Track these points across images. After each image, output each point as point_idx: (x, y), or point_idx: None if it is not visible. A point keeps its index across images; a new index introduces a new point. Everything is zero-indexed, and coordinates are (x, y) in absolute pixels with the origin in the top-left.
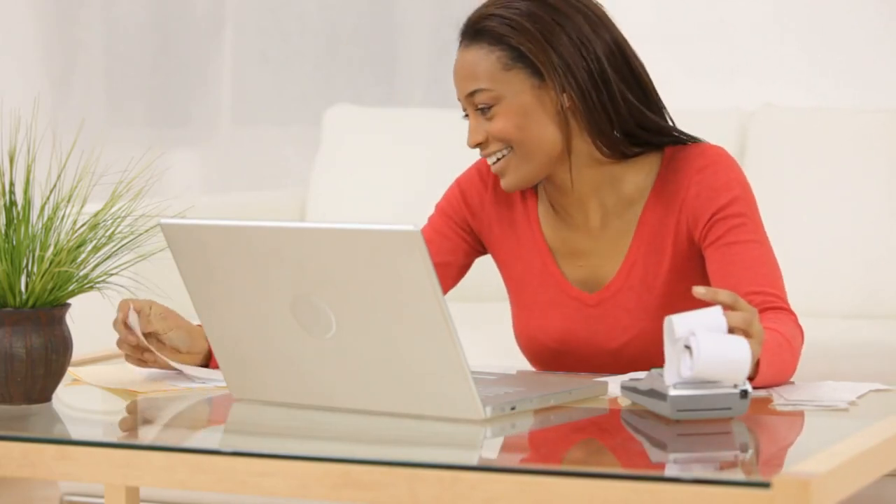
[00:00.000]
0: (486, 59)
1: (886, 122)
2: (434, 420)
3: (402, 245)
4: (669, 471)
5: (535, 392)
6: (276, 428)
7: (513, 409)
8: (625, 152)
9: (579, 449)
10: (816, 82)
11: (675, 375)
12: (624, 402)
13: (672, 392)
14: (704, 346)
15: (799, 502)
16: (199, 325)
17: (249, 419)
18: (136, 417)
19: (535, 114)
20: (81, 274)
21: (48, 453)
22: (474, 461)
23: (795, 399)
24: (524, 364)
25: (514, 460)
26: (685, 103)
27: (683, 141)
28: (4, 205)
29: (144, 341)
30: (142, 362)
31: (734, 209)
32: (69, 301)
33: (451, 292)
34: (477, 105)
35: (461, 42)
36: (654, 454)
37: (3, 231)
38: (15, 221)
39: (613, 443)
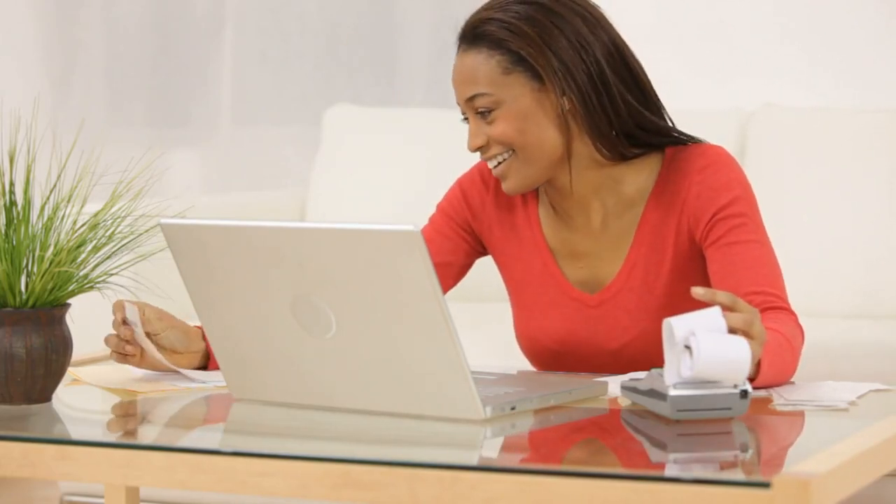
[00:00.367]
0: (485, 63)
1: (886, 122)
2: (434, 420)
3: (402, 245)
4: (669, 471)
5: (535, 392)
6: (276, 428)
7: (513, 409)
8: (625, 154)
9: (579, 449)
10: (816, 82)
11: (675, 375)
12: (624, 402)
13: (672, 392)
14: (704, 346)
15: (799, 502)
16: (196, 326)
17: (249, 419)
18: (136, 417)
19: (535, 117)
20: (81, 274)
21: (48, 453)
22: (474, 461)
23: (795, 399)
24: (525, 364)
25: (514, 460)
26: (685, 103)
27: (683, 141)
28: (4, 205)
29: (143, 335)
30: (123, 357)
31: (735, 209)
32: (69, 301)
33: (452, 292)
34: (477, 109)
35: (460, 46)
36: (654, 454)
37: (3, 231)
38: (15, 221)
39: (613, 443)
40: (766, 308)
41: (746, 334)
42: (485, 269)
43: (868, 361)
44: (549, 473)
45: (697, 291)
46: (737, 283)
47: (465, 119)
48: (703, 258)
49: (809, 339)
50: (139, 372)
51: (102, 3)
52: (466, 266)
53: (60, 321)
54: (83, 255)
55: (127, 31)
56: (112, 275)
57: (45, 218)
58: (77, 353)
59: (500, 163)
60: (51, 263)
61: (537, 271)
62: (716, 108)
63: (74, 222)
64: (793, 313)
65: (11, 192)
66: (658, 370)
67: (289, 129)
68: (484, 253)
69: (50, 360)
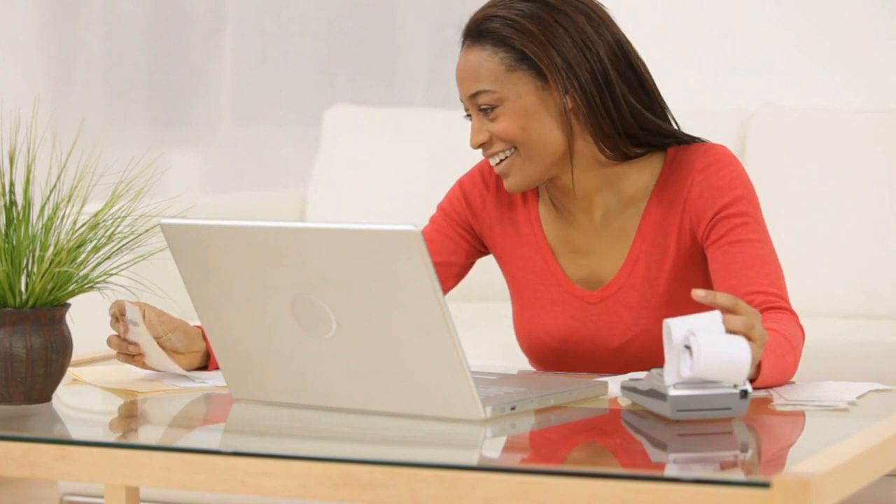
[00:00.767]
0: (489, 60)
1: (886, 122)
2: (434, 420)
3: (402, 245)
4: (669, 471)
5: (535, 392)
6: (276, 428)
7: (513, 409)
8: (627, 153)
9: (579, 449)
10: (816, 82)
11: (675, 375)
12: (624, 402)
13: (672, 392)
14: (704, 346)
15: (799, 502)
16: (197, 326)
17: (249, 419)
18: (136, 417)
19: (538, 115)
20: (81, 274)
21: (48, 453)
22: (474, 461)
23: (795, 399)
24: (525, 364)
25: (514, 460)
26: (685, 103)
27: (686, 141)
28: (4, 205)
29: (147, 335)
30: (129, 357)
31: (737, 208)
32: (69, 301)
33: (453, 292)
34: (480, 106)
35: (464, 43)
36: (654, 454)
37: (3, 231)
38: (15, 221)
39: (613, 443)
40: (767, 308)
41: (747, 337)
42: (485, 270)
43: (868, 361)
44: (549, 473)
45: (698, 294)
46: (738, 282)
47: (468, 116)
48: (704, 256)
49: (809, 339)
50: (139, 372)
51: (102, 3)
52: (467, 266)
53: (60, 321)
54: (83, 255)
55: (127, 31)
56: (112, 275)
57: (45, 218)
58: (77, 353)
59: (502, 160)
60: (51, 263)
61: (538, 269)
62: (716, 108)
63: (74, 222)
64: (794, 313)
65: (11, 192)
66: (658, 370)
67: (289, 129)
68: (485, 252)
69: (50, 360)
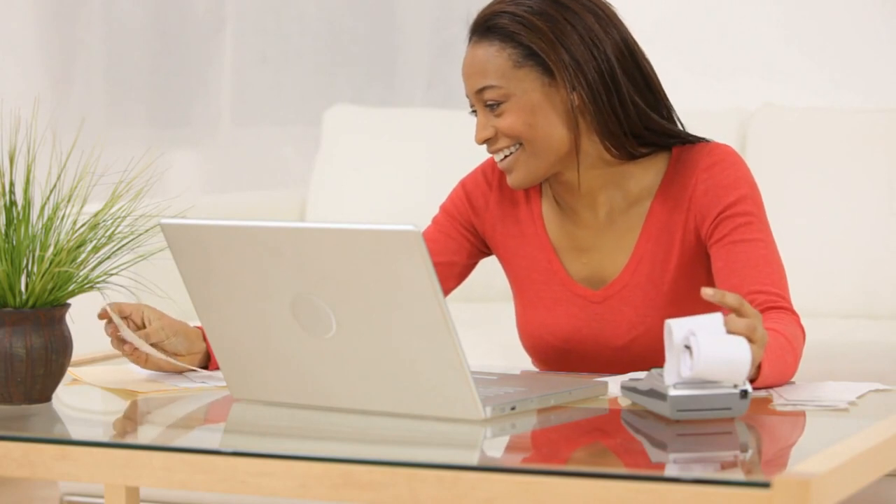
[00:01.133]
0: (496, 56)
1: (886, 122)
2: (434, 420)
3: (401, 245)
4: (669, 471)
5: (535, 392)
6: (276, 428)
7: (513, 409)
8: (632, 153)
9: (580, 449)
10: (816, 82)
11: (675, 375)
12: (624, 402)
13: (672, 392)
14: (704, 346)
15: (799, 502)
16: (197, 326)
17: (249, 419)
18: (136, 417)
19: (544, 112)
20: (81, 274)
21: (48, 453)
22: (474, 461)
23: (795, 399)
24: (525, 363)
25: (514, 460)
26: (685, 103)
27: (691, 141)
28: (4, 205)
29: (130, 333)
30: (141, 360)
31: (741, 208)
32: (69, 301)
33: (453, 292)
34: (486, 101)
35: (471, 38)
36: (654, 454)
37: (3, 231)
38: (15, 221)
39: (613, 443)
40: (769, 308)
41: (749, 339)
42: (485, 270)
43: (868, 361)
44: (549, 473)
45: (707, 292)
46: (740, 281)
47: (474, 112)
48: (708, 255)
49: (809, 339)
50: (139, 372)
51: (102, 3)
52: (470, 266)
53: (60, 321)
54: (83, 255)
55: (127, 31)
56: (112, 275)
57: (45, 218)
58: (77, 353)
59: (506, 156)
60: (51, 263)
61: (541, 268)
62: (716, 108)
63: (74, 222)
64: (795, 314)
65: (11, 192)
66: (658, 370)
67: (289, 129)
68: (487, 253)
69: (50, 360)
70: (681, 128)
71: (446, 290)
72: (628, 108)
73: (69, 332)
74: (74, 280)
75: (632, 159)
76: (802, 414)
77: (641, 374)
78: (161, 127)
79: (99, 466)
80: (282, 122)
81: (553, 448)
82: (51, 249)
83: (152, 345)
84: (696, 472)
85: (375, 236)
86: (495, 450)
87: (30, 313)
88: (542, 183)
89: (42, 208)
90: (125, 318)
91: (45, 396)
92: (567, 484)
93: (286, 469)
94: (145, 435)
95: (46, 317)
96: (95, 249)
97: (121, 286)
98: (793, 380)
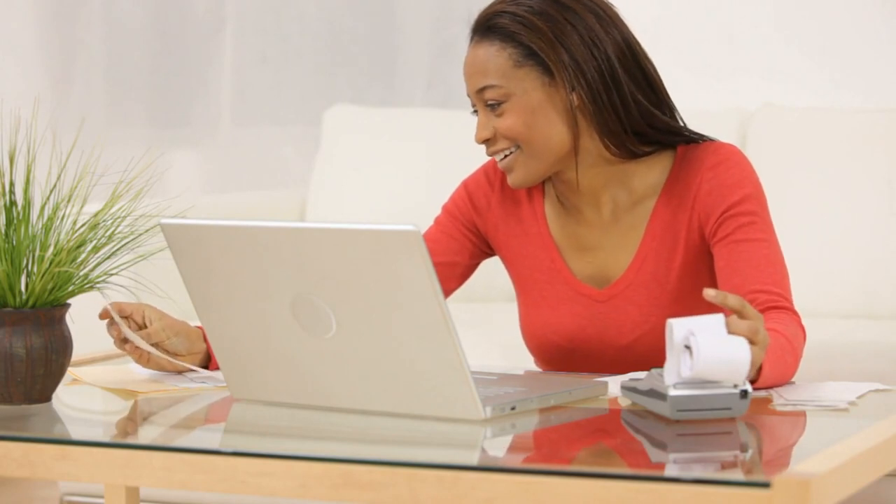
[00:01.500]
0: (497, 56)
1: (886, 122)
2: (434, 420)
3: (401, 245)
4: (669, 471)
5: (535, 392)
6: (276, 428)
7: (513, 409)
8: (634, 152)
9: (579, 449)
10: (816, 82)
11: (675, 375)
12: (624, 402)
13: (672, 392)
14: (704, 346)
15: (799, 502)
16: (197, 326)
17: (249, 419)
18: (136, 417)
19: (544, 111)
20: (81, 274)
21: (48, 453)
22: (474, 461)
23: (795, 399)
24: (526, 363)
25: (514, 460)
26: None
27: (695, 140)
28: (4, 205)
29: (130, 332)
30: (143, 359)
31: (745, 207)
32: (69, 301)
33: (454, 292)
34: (486, 101)
35: (472, 38)
36: (654, 454)
37: (3, 231)
38: (15, 221)
39: (613, 443)
40: (770, 307)
41: (750, 341)
42: (485, 270)
43: (868, 361)
44: (549, 473)
45: (709, 293)
46: (742, 280)
47: (475, 112)
48: (712, 254)
49: (809, 339)
50: (139, 372)
51: (102, 3)
52: (472, 267)
53: (60, 321)
54: (83, 255)
55: (127, 31)
56: (112, 275)
57: (45, 218)
58: (77, 353)
59: (506, 156)
60: (51, 263)
61: (545, 268)
62: (716, 108)
63: (74, 222)
64: (796, 314)
65: (11, 192)
66: (658, 370)
67: (289, 129)
68: (490, 254)
69: (50, 360)
70: (684, 126)
71: (448, 291)
72: (630, 107)
73: (69, 332)
74: (74, 280)
75: (634, 158)
76: (802, 414)
77: (641, 374)
78: (161, 127)
79: (99, 466)
80: (282, 122)
81: (553, 448)
82: (51, 249)
83: (153, 345)
84: (696, 472)
85: (375, 236)
86: (495, 450)
87: (30, 313)
88: (545, 182)
89: (42, 208)
90: (126, 317)
91: (45, 396)
92: (567, 484)
93: (286, 469)
94: (145, 435)
95: (46, 317)
96: (95, 249)
97: (121, 286)
98: (793, 380)
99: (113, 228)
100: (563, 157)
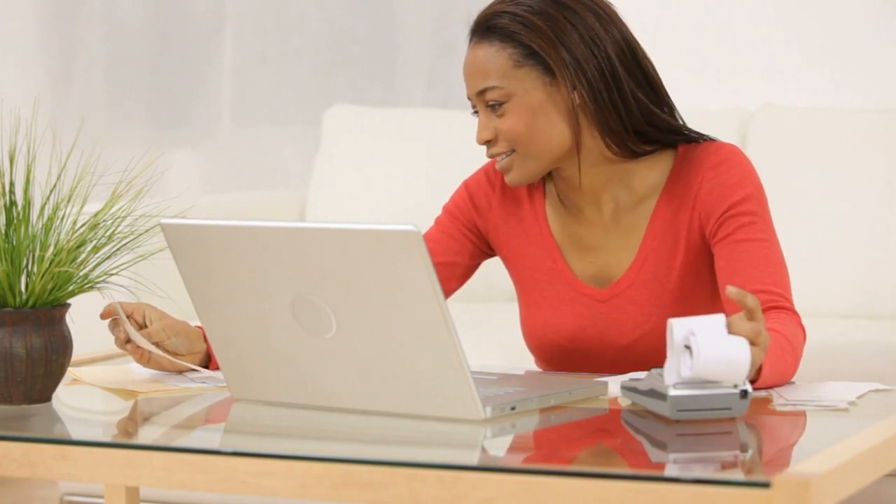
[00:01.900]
0: (497, 56)
1: (886, 122)
2: (434, 420)
3: (401, 245)
4: (669, 471)
5: (535, 392)
6: (276, 428)
7: (513, 409)
8: (635, 151)
9: (580, 449)
10: (816, 82)
11: (675, 375)
12: (624, 402)
13: (672, 392)
14: (704, 346)
15: (799, 502)
16: (197, 326)
17: (249, 419)
18: (136, 417)
19: (545, 111)
20: (81, 274)
21: (48, 453)
22: (474, 461)
23: (795, 399)
24: (526, 363)
25: (514, 460)
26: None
27: (696, 139)
28: (4, 205)
29: (134, 332)
30: (144, 358)
31: (746, 207)
32: (69, 301)
33: (455, 292)
34: (487, 102)
35: (471, 39)
36: (654, 454)
37: (3, 231)
38: (15, 221)
39: (613, 443)
40: (770, 307)
41: (751, 342)
42: (485, 270)
43: (868, 361)
44: (549, 473)
45: (731, 291)
46: (743, 280)
47: (475, 112)
48: (712, 254)
49: (809, 339)
50: (139, 372)
51: (102, 3)
52: (472, 267)
53: (60, 321)
54: (83, 255)
55: (127, 31)
56: (112, 275)
57: (45, 218)
58: (77, 353)
59: (505, 157)
60: (51, 263)
61: (545, 268)
62: (716, 108)
63: (74, 222)
64: (796, 314)
65: (11, 192)
66: (658, 370)
67: (289, 129)
68: (490, 254)
69: (50, 360)
70: (684, 125)
71: (448, 291)
72: (630, 105)
73: (69, 332)
74: (74, 280)
75: (635, 157)
76: (802, 414)
77: (641, 374)
78: (161, 127)
79: (99, 466)
80: (282, 122)
81: (553, 448)
82: (51, 249)
83: (153, 344)
84: (696, 472)
85: (375, 236)
86: (495, 450)
87: (30, 313)
88: (546, 182)
89: (42, 208)
90: (127, 317)
91: (45, 396)
92: (567, 484)
93: (286, 469)
94: (145, 435)
95: (46, 317)
96: (95, 249)
97: (121, 286)
98: (793, 380)
99: (113, 228)
100: (562, 156)
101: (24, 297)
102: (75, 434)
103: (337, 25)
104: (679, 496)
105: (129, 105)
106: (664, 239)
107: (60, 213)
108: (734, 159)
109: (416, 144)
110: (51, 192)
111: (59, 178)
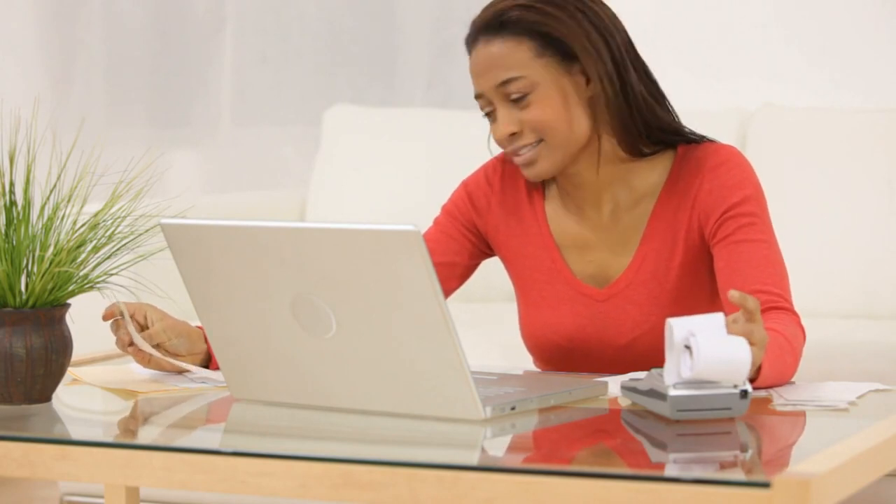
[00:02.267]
0: (515, 49)
1: (886, 122)
2: (434, 420)
3: (401, 245)
4: (669, 471)
5: (535, 392)
6: (276, 428)
7: (513, 409)
8: (643, 150)
9: (580, 449)
10: (816, 82)
11: (675, 375)
12: (624, 402)
13: (672, 392)
14: (704, 346)
15: (799, 502)
16: (198, 326)
17: (249, 419)
18: (136, 417)
19: (567, 101)
20: (81, 274)
21: (48, 453)
22: (474, 461)
23: (795, 399)
24: (526, 364)
25: (514, 460)
26: (685, 103)
27: (696, 140)
28: (4, 205)
29: (135, 333)
30: (144, 359)
31: (745, 208)
32: (69, 301)
33: (454, 292)
34: (510, 95)
35: (479, 38)
36: (654, 454)
37: (3, 231)
38: (15, 221)
39: (613, 443)
40: (770, 308)
41: (749, 342)
42: (485, 270)
43: (868, 361)
44: (549, 473)
45: (734, 295)
46: (742, 280)
47: (488, 114)
48: (711, 255)
49: (809, 339)
50: (139, 372)
51: (102, 3)
52: (471, 267)
53: (60, 321)
54: (83, 255)
55: (127, 31)
56: (112, 275)
57: (45, 218)
58: (77, 353)
59: (530, 149)
60: (51, 263)
61: (545, 267)
62: (716, 108)
63: (74, 222)
64: (795, 314)
65: (11, 192)
66: (658, 370)
67: (289, 129)
68: (489, 254)
69: (50, 360)
70: (683, 125)
71: (448, 291)
72: (639, 101)
73: (69, 332)
74: (74, 280)
75: (641, 156)
76: (802, 414)
77: (641, 374)
78: (161, 127)
79: (99, 466)
80: (282, 122)
81: (553, 448)
82: (51, 249)
83: (155, 345)
84: (696, 472)
85: (375, 236)
86: (495, 450)
87: (30, 313)
88: (546, 182)
89: (42, 208)
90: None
91: (45, 396)
92: (567, 484)
93: (286, 469)
94: (145, 435)
95: (46, 317)
96: (95, 249)
97: (121, 286)
98: (793, 380)
99: (113, 228)
100: (581, 148)
101: (24, 297)
102: (75, 434)
103: (337, 25)
104: (679, 496)
105: (129, 105)
106: (663, 239)
107: (60, 213)
108: (734, 161)
109: (416, 144)
110: (51, 192)
111: (59, 178)
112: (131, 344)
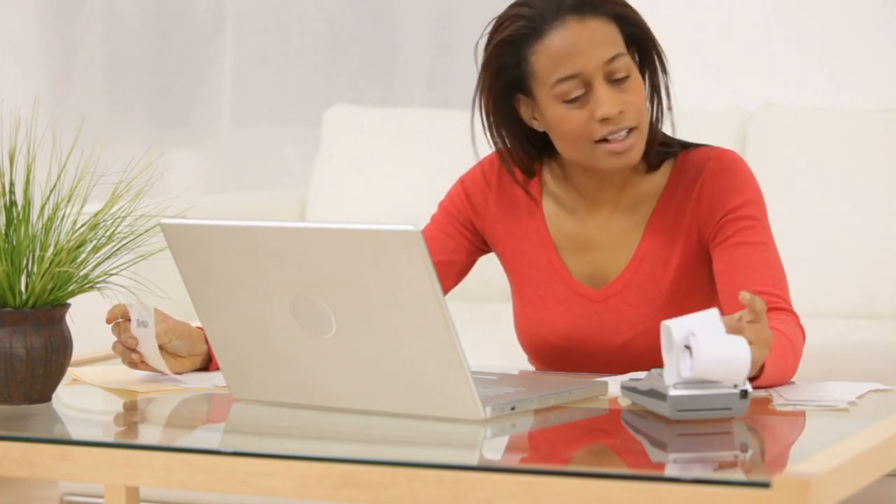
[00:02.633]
0: (614, 31)
1: (886, 122)
2: (434, 420)
3: (402, 245)
4: (669, 471)
5: (535, 392)
6: (276, 428)
7: (513, 409)
8: (652, 161)
9: (580, 449)
10: (816, 82)
11: (675, 375)
12: (624, 402)
13: (672, 392)
14: (704, 346)
15: (799, 502)
16: (198, 327)
17: (249, 419)
18: (136, 417)
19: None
20: (81, 274)
21: (48, 453)
22: (474, 461)
23: (795, 399)
24: (526, 364)
25: (514, 460)
26: (685, 103)
27: (695, 146)
28: (4, 205)
29: (153, 338)
30: (133, 364)
31: (745, 211)
32: (69, 301)
33: (452, 292)
34: (615, 74)
35: (569, 17)
36: (654, 454)
37: (3, 231)
38: (15, 221)
39: (614, 443)
40: (770, 308)
41: (749, 341)
42: (485, 269)
43: (868, 361)
44: (549, 473)
45: (744, 296)
46: (742, 282)
47: (573, 101)
48: (710, 258)
49: (809, 339)
50: (139, 372)
51: (102, 3)
52: (469, 264)
53: (60, 321)
54: (83, 255)
55: (127, 31)
56: (112, 275)
57: (45, 218)
58: (77, 353)
59: (628, 132)
60: (51, 263)
61: (542, 266)
62: (716, 108)
63: (74, 222)
64: (795, 315)
65: (11, 192)
66: (658, 370)
67: (289, 129)
68: (486, 251)
69: (50, 360)
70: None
71: (445, 289)
72: (659, 113)
73: (69, 332)
74: (74, 280)
75: (652, 168)
76: (802, 414)
77: (641, 374)
78: (161, 127)
79: (99, 466)
80: (282, 122)
81: (553, 448)
82: (51, 249)
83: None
84: (696, 472)
85: (375, 236)
86: (495, 450)
87: (30, 313)
88: (545, 182)
89: (42, 208)
90: (128, 319)
91: (45, 396)
92: (567, 484)
93: (286, 469)
94: (145, 435)
95: (46, 317)
96: (95, 249)
97: (121, 286)
98: (793, 380)
99: (113, 228)
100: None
101: (24, 297)
102: (75, 434)
103: (337, 25)
104: (679, 496)
105: (129, 105)
106: (662, 241)
107: (60, 213)
108: (734, 166)
109: (416, 144)
110: (51, 192)
111: (59, 178)
112: (133, 350)
